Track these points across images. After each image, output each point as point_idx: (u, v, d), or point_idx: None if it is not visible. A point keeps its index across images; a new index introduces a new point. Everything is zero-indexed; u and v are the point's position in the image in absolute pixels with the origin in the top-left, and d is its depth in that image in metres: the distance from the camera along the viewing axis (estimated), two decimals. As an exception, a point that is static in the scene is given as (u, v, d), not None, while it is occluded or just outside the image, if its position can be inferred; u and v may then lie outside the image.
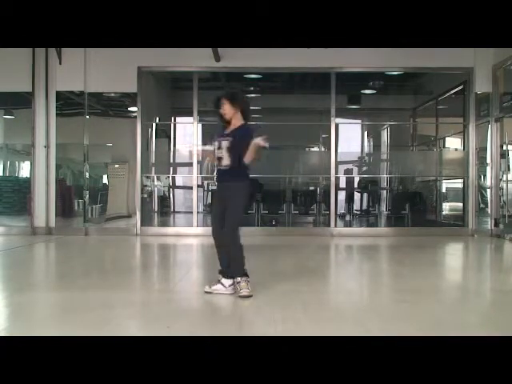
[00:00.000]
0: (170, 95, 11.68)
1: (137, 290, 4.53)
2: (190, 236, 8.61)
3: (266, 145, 3.74)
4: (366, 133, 12.31)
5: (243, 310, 3.59)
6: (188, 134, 10.02)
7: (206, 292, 3.95)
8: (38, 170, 8.82)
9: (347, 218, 10.77)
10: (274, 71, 9.36)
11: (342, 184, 10.60)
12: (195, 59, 8.61)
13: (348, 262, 6.85)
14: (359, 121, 12.64)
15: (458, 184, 9.79)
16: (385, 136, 12.11)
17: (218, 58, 8.58)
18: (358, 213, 11.27)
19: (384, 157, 11.95)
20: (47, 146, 8.78)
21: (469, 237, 8.64)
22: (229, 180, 3.97)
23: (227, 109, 3.95)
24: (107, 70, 8.74)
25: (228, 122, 4.02)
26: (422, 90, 11.41)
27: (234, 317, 3.37)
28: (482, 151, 8.92)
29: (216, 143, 3.99)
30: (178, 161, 10.77)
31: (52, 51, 8.68)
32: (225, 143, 3.93)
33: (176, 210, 11.61)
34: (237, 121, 4.00)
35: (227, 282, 3.94)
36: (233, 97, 3.99)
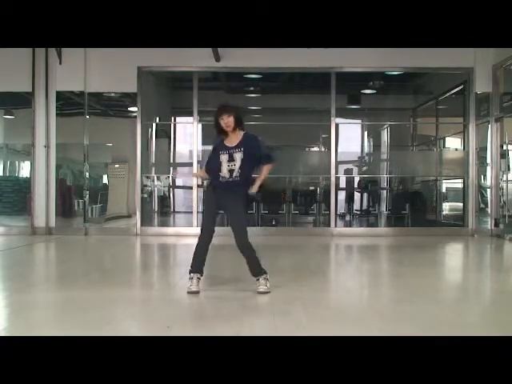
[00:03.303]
0: (170, 95, 11.67)
1: (137, 289, 4.53)
2: (190, 236, 8.58)
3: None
4: (366, 133, 12.30)
5: (243, 309, 3.59)
6: (188, 133, 10.02)
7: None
8: (37, 170, 8.81)
9: (347, 217, 10.77)
10: (274, 71, 9.36)
11: (342, 184, 10.60)
12: (195, 59, 8.61)
13: (348, 261, 6.85)
14: (359, 121, 12.62)
15: (458, 184, 9.78)
16: (385, 136, 12.09)
17: (218, 58, 8.58)
18: (358, 213, 11.27)
19: (384, 157, 11.95)
20: (47, 146, 8.78)
21: (469, 237, 8.63)
22: (231, 188, 3.97)
23: (231, 121, 3.94)
24: (107, 69, 8.75)
25: (226, 133, 4.01)
26: (422, 90, 11.40)
27: (234, 316, 3.37)
28: (482, 151, 8.92)
29: (225, 156, 3.96)
30: (178, 161, 10.77)
31: (52, 51, 8.68)
32: (238, 155, 3.94)
33: (176, 209, 11.60)
34: (237, 131, 4.01)
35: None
36: (232, 109, 3.99)
